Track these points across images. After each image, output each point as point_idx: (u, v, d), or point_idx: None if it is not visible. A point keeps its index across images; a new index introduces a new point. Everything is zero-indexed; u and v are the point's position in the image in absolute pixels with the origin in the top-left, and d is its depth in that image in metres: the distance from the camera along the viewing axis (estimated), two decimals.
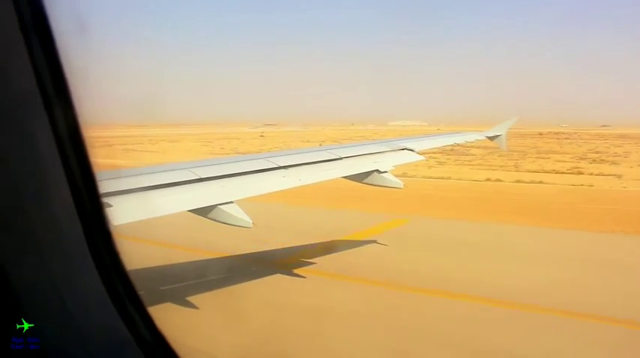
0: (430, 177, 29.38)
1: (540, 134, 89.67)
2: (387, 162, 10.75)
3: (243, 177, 8.34)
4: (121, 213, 5.87)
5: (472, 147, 52.96)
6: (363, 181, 10.30)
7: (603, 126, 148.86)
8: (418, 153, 11.90)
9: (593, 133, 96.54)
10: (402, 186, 10.29)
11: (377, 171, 10.22)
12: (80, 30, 1.94)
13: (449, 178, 29.69)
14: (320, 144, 40.64)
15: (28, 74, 1.69)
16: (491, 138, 15.38)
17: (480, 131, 16.35)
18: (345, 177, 10.16)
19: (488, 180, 29.16)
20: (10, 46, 1.66)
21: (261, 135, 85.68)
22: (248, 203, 7.80)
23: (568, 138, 79.08)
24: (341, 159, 10.24)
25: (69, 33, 1.86)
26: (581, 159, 43.51)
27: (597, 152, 51.39)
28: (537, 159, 43.66)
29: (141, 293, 2.14)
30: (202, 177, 7.74)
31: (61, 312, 1.82)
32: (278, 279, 10.84)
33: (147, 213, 6.61)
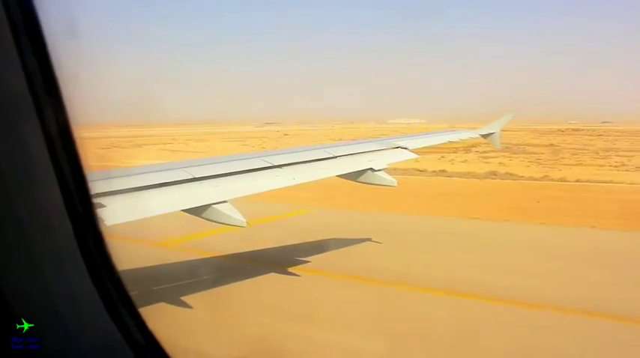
0: (582, 181, 26.63)
1: (562, 131, 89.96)
2: (382, 160, 10.76)
3: (237, 176, 8.33)
4: (113, 214, 5.86)
5: (529, 145, 52.04)
6: (357, 180, 10.30)
7: (604, 122, 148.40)
8: (412, 151, 11.92)
9: (616, 130, 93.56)
10: (395, 185, 10.30)
11: (371, 169, 10.23)
12: (71, 31, 1.94)
13: (587, 181, 26.78)
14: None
15: (18, 75, 1.69)
16: (484, 136, 15.39)
17: (474, 129, 16.38)
18: (339, 176, 10.16)
19: (633, 183, 26.26)
20: (0, 48, 1.66)
21: (286, 134, 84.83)
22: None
23: (602, 135, 77.92)
24: (335, 157, 10.24)
25: (60, 34, 1.86)
26: None
27: None
28: (621, 157, 41.60)
29: (134, 293, 2.14)
30: (196, 176, 7.72)
31: (51, 313, 1.82)
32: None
33: (140, 213, 6.60)
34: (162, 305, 8.61)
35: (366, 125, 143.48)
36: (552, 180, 27.86)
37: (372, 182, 10.26)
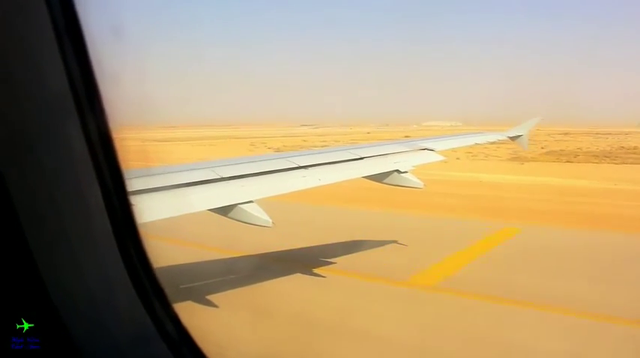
0: None
1: None
2: (407, 162, 10.73)
3: (263, 176, 8.40)
4: (143, 212, 5.94)
5: None
6: (383, 181, 10.29)
7: None
8: (438, 152, 11.84)
9: None
10: (422, 186, 10.24)
11: (397, 171, 10.20)
12: (112, 32, 1.99)
13: None
14: None
15: (60, 76, 1.74)
16: (512, 138, 15.17)
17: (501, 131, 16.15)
18: (365, 177, 10.16)
19: None
20: (43, 49, 1.71)
21: (368, 133, 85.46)
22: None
23: None
24: (361, 159, 10.25)
25: (101, 35, 1.91)
26: None
27: None
28: None
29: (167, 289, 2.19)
30: (223, 176, 7.81)
31: (89, 307, 1.88)
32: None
33: (168, 212, 6.68)
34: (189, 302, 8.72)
35: (408, 127, 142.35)
36: None
37: (399, 184, 10.23)
